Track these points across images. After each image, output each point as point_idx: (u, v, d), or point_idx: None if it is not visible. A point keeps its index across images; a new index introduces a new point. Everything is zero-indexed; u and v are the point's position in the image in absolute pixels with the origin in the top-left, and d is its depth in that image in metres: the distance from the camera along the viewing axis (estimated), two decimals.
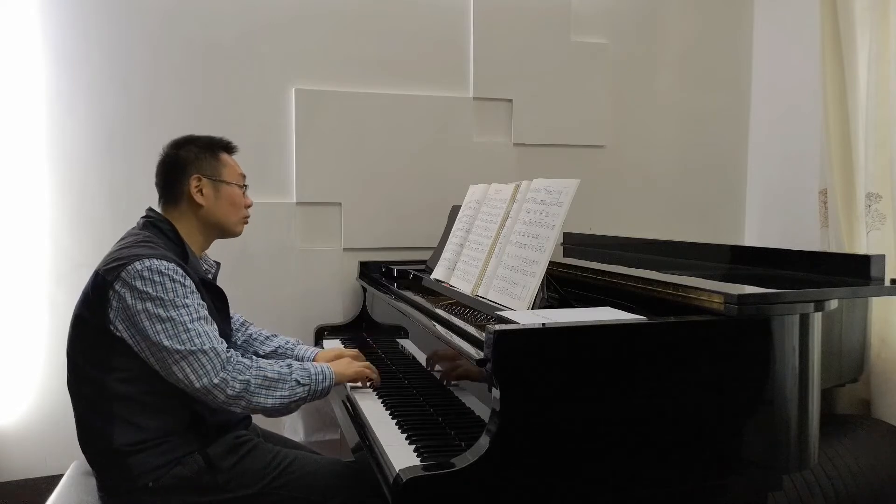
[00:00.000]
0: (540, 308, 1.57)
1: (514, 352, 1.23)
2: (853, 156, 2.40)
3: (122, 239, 1.63)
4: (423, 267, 2.42)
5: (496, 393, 1.23)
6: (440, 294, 2.00)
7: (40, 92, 2.43)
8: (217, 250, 1.84)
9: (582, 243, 2.70)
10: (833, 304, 1.51)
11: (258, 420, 1.85)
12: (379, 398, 1.75)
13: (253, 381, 1.52)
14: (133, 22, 2.48)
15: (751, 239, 3.19)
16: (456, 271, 1.99)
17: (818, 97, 2.54)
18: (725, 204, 3.21)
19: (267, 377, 1.54)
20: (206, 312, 1.56)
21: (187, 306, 1.50)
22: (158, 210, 1.71)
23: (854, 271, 1.71)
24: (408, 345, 2.07)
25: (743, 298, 1.32)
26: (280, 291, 2.66)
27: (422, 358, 1.90)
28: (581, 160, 2.98)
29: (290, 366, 1.60)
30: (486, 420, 1.26)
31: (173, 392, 1.52)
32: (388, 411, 1.65)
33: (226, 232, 1.77)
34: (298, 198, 2.67)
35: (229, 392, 1.49)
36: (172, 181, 1.70)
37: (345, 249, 2.73)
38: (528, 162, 2.90)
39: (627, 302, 1.54)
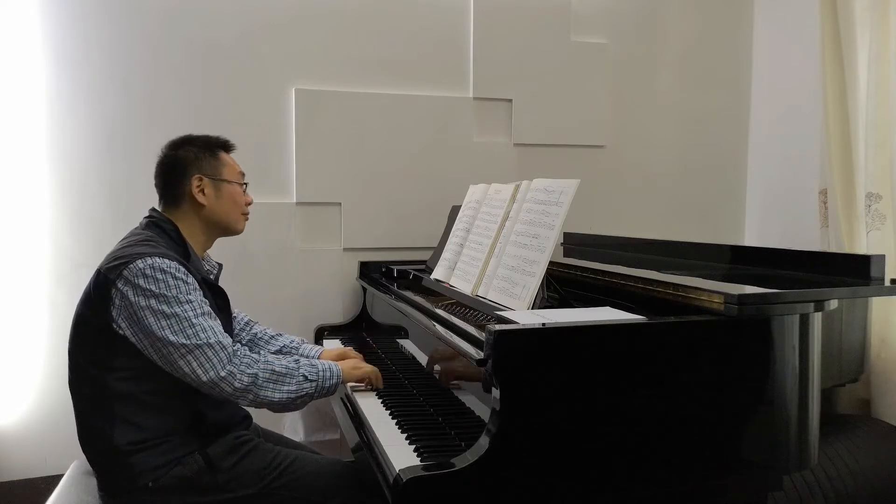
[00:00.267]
0: (540, 308, 1.57)
1: (514, 352, 1.23)
2: (853, 156, 2.40)
3: (124, 238, 1.64)
4: (423, 267, 2.42)
5: (496, 393, 1.23)
6: (440, 294, 2.00)
7: (40, 92, 2.43)
8: (217, 250, 1.84)
9: (582, 243, 2.70)
10: (833, 304, 1.51)
11: (258, 420, 1.86)
12: (379, 398, 1.75)
13: (261, 374, 1.53)
14: (133, 22, 2.48)
15: (751, 239, 3.19)
16: (456, 271, 1.99)
17: (818, 97, 2.54)
18: (725, 204, 3.21)
19: (275, 371, 1.55)
20: (210, 309, 1.56)
21: (191, 302, 1.50)
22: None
23: (854, 271, 1.71)
24: (408, 345, 2.07)
25: (743, 298, 1.32)
26: (280, 291, 2.66)
27: (422, 358, 1.89)
28: (581, 160, 2.98)
29: (297, 361, 1.62)
30: (486, 420, 1.26)
31: (174, 392, 1.53)
32: (388, 411, 1.65)
33: (228, 230, 1.77)
34: (298, 198, 2.67)
35: (237, 385, 1.50)
36: (173, 182, 1.70)
37: (345, 249, 2.74)
38: (528, 162, 2.90)
39: (627, 302, 1.54)
